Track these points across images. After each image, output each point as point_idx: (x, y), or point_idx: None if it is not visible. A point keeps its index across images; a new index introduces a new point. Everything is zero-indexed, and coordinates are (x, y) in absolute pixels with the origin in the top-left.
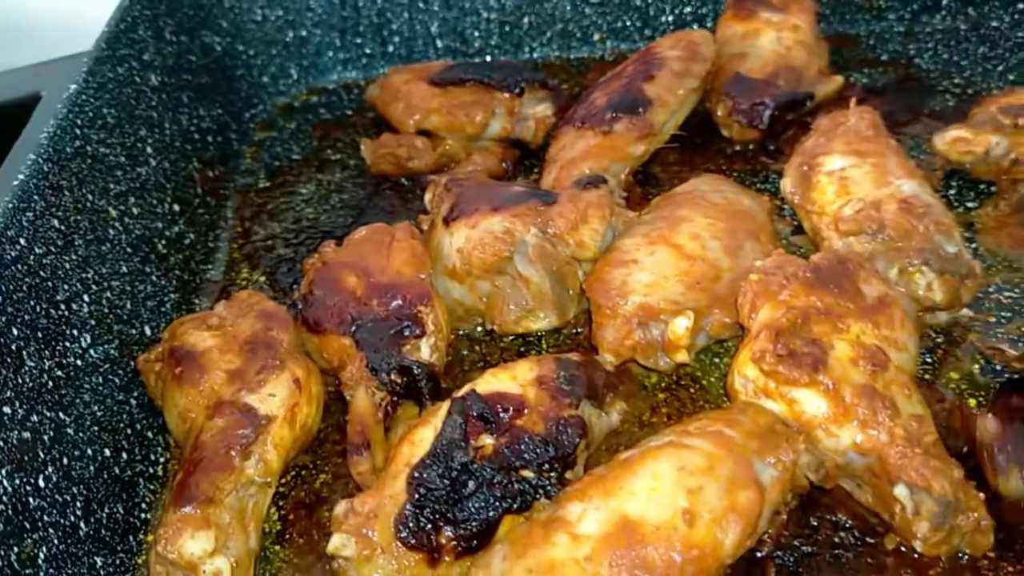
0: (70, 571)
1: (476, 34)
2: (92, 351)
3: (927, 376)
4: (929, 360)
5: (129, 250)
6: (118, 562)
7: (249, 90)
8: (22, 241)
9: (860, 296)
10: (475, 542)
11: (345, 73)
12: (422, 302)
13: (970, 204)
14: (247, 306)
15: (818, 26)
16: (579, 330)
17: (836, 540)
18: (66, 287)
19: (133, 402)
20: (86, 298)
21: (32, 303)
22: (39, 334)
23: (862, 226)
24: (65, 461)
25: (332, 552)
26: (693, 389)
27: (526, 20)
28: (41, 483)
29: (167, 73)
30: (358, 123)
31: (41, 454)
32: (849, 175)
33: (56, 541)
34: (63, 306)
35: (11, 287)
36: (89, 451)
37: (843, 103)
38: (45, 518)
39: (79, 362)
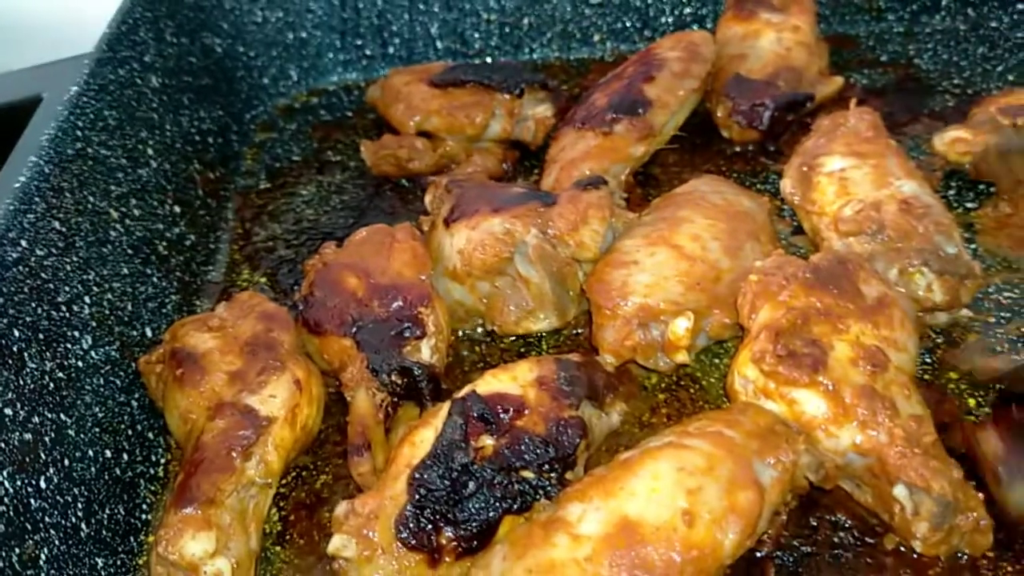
0: (71, 572)
1: (476, 35)
2: (93, 353)
3: (927, 376)
4: (929, 360)
5: (130, 252)
6: (119, 563)
7: (249, 92)
8: (23, 243)
9: (860, 296)
10: (475, 543)
11: (345, 74)
12: (423, 303)
13: (969, 205)
14: (248, 307)
15: (818, 27)
16: (579, 331)
17: (836, 540)
18: (67, 289)
19: (134, 403)
20: (87, 300)
21: (33, 305)
22: (40, 336)
23: (862, 227)
24: (66, 462)
25: (333, 553)
26: (693, 390)
27: (526, 21)
28: (43, 484)
29: (168, 75)
30: (358, 124)
31: (42, 455)
32: (849, 176)
33: (57, 542)
34: (64, 308)
35: (12, 289)
36: (90, 452)
37: (843, 104)
38: (46, 519)
39: (80, 364)
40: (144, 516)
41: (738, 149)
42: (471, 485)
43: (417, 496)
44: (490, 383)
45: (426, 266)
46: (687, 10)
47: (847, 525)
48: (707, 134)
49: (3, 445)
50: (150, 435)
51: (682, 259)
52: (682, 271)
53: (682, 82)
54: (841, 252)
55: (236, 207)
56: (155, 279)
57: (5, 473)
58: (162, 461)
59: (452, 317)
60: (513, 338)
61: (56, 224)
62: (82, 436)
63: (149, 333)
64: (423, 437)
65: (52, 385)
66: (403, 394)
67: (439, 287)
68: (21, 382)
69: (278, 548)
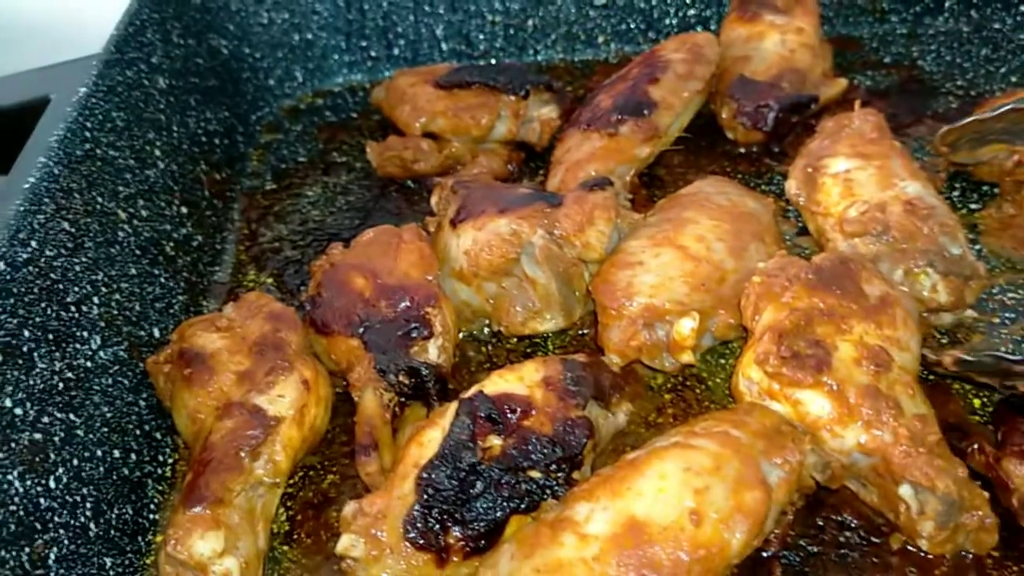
0: (80, 571)
1: (481, 37)
2: (102, 353)
3: (931, 377)
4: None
5: (138, 252)
6: (127, 563)
7: (255, 93)
8: (33, 243)
9: (862, 296)
10: (483, 542)
11: (350, 76)
12: (430, 304)
13: (973, 206)
14: (256, 308)
15: (822, 29)
16: (585, 331)
17: (842, 540)
18: (76, 289)
19: (142, 403)
20: (96, 300)
21: (43, 305)
22: (50, 336)
23: (867, 228)
24: (75, 462)
25: (341, 552)
26: (699, 390)
27: (530, 23)
28: (52, 484)
29: (175, 76)
30: (363, 126)
31: (52, 455)
32: (854, 177)
33: (67, 542)
34: (73, 308)
35: (23, 289)
36: (99, 452)
37: (847, 105)
38: (56, 519)
39: (89, 364)
40: (152, 516)
41: (742, 150)
42: (479, 485)
43: (425, 496)
44: (497, 383)
45: (433, 267)
46: (691, 12)
47: (853, 525)
48: (712, 135)
49: (13, 445)
50: (157, 435)
51: (687, 260)
52: (687, 272)
53: (686, 84)
54: (843, 252)
55: (242, 208)
56: (162, 279)
57: (15, 473)
58: (169, 461)
59: (458, 318)
60: (519, 338)
61: (66, 225)
62: (91, 436)
63: (156, 333)
64: (430, 437)
65: (61, 385)
66: (410, 394)
67: (445, 288)
68: (31, 382)
69: (285, 547)
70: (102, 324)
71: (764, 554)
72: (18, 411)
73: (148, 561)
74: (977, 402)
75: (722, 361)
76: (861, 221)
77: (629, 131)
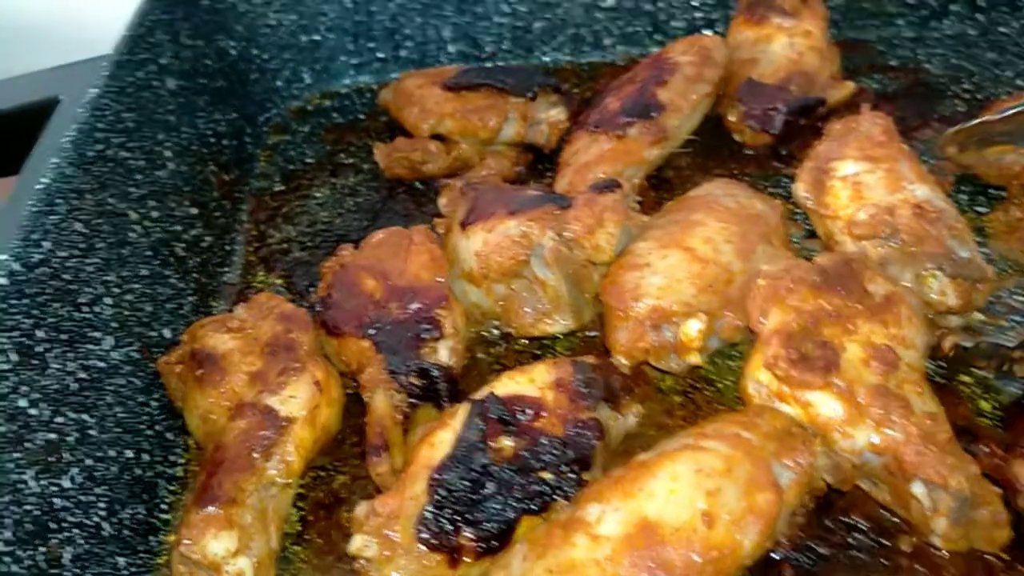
0: (94, 571)
1: (488, 39)
2: (114, 353)
3: (939, 379)
4: (942, 364)
5: (149, 253)
6: (140, 562)
7: (263, 94)
8: (46, 244)
9: (867, 296)
10: (494, 543)
11: (358, 77)
12: (440, 305)
13: (981, 209)
14: (267, 308)
15: (829, 31)
16: (593, 333)
17: (851, 541)
18: (88, 290)
19: (153, 404)
20: (108, 301)
21: (56, 305)
22: (63, 336)
23: (876, 231)
24: (89, 462)
25: (354, 553)
26: (709, 392)
27: (537, 25)
28: (66, 484)
29: (184, 77)
30: (371, 127)
31: (66, 455)
32: (863, 180)
33: (81, 541)
34: (86, 308)
35: (36, 290)
36: (112, 452)
37: (855, 108)
38: (70, 518)
39: (102, 364)
40: (164, 516)
41: (750, 153)
42: (490, 486)
43: (437, 496)
44: (507, 385)
45: (443, 268)
46: (698, 15)
47: (863, 527)
48: (719, 138)
49: (29, 445)
50: (169, 435)
51: (695, 261)
52: (694, 273)
53: (695, 86)
54: (846, 252)
55: (251, 209)
56: (173, 280)
57: (31, 472)
58: (181, 461)
59: (468, 319)
60: (528, 340)
61: (78, 226)
62: (104, 436)
63: (167, 334)
64: (442, 438)
65: (75, 386)
66: (421, 395)
67: (455, 289)
68: (45, 382)
69: (297, 548)
70: (114, 325)
71: (774, 556)
72: (33, 411)
73: (160, 561)
74: (985, 404)
75: (731, 363)
76: (870, 224)
77: (637, 133)
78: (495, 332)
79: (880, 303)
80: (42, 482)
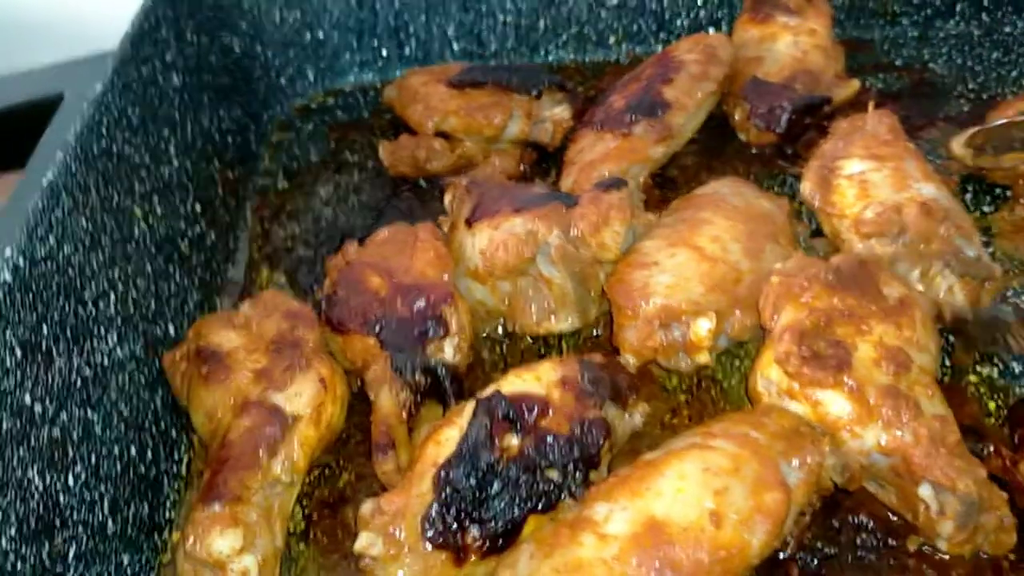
0: (98, 568)
1: (492, 37)
2: (118, 350)
3: (947, 379)
4: (948, 364)
5: (153, 249)
6: (143, 560)
7: (267, 92)
8: (51, 239)
9: (882, 298)
10: (501, 542)
11: (362, 75)
12: (446, 302)
13: (986, 209)
14: (272, 306)
15: (833, 30)
16: (598, 332)
17: (859, 542)
18: (93, 286)
19: (158, 401)
20: (112, 297)
21: (61, 301)
22: (68, 332)
23: (883, 229)
24: (93, 459)
25: (359, 551)
26: (714, 392)
27: (542, 23)
28: (71, 481)
29: (188, 74)
30: (375, 125)
31: (71, 452)
32: (869, 178)
33: (85, 539)
34: (91, 304)
35: (41, 285)
36: (116, 449)
37: (859, 107)
38: (74, 516)
39: (106, 360)
40: (168, 514)
41: (755, 152)
42: (496, 484)
43: (443, 495)
44: (514, 383)
45: (449, 266)
46: (702, 13)
47: (870, 527)
48: (724, 137)
49: (33, 441)
50: (173, 433)
51: (703, 260)
52: (703, 272)
53: (700, 84)
54: (862, 254)
55: (255, 206)
56: (177, 277)
57: (35, 469)
58: (185, 459)
59: (473, 317)
60: (532, 339)
61: (83, 221)
62: (108, 433)
63: (172, 331)
64: (448, 436)
65: (79, 382)
66: (426, 393)
67: (460, 287)
68: (50, 378)
69: (302, 546)
70: (119, 321)
71: (781, 556)
72: (38, 408)
73: (164, 559)
74: (992, 405)
75: (737, 363)
76: (877, 222)
77: (643, 131)
78: (500, 331)
79: (894, 305)
80: (47, 479)
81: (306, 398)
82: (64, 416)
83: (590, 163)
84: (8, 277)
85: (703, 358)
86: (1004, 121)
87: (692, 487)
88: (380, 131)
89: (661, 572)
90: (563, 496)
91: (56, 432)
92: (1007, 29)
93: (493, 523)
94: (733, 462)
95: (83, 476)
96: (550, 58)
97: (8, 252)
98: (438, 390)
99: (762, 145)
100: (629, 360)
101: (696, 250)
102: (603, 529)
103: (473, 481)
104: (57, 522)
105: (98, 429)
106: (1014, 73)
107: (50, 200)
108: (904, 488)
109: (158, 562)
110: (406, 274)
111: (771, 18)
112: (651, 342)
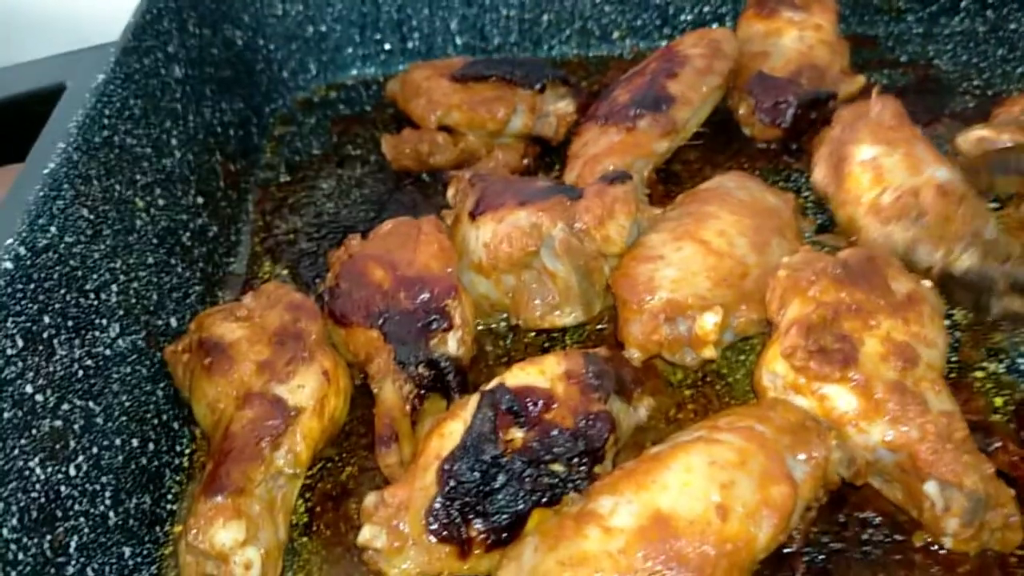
0: (100, 560)
1: (495, 31)
2: (120, 341)
3: (953, 375)
4: (955, 359)
5: (155, 241)
6: (145, 552)
7: (269, 85)
8: (53, 229)
9: (889, 293)
10: (505, 535)
11: (364, 69)
12: (449, 296)
13: (992, 204)
14: (275, 298)
15: (839, 26)
16: (602, 326)
17: (865, 537)
18: (95, 276)
19: (159, 393)
20: (114, 288)
21: (63, 292)
22: (69, 323)
23: (902, 213)
24: (95, 451)
25: (363, 543)
26: (719, 386)
27: (545, 17)
28: (72, 472)
29: (190, 66)
30: (377, 119)
31: (72, 443)
32: (882, 163)
33: (86, 530)
34: (92, 295)
35: (43, 275)
36: (118, 441)
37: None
38: (76, 507)
39: (108, 352)
40: (169, 506)
41: (760, 147)
42: (501, 477)
43: (447, 488)
44: (518, 376)
45: (452, 259)
46: (706, 8)
47: (876, 522)
48: (729, 132)
49: (35, 432)
50: (175, 425)
51: (709, 254)
52: (709, 266)
53: (705, 79)
54: (876, 243)
55: (256, 200)
56: (179, 269)
57: (37, 459)
58: (187, 451)
59: (477, 310)
60: (536, 332)
61: (84, 211)
62: (110, 424)
63: (173, 323)
64: (452, 429)
65: (81, 372)
66: (430, 386)
67: (463, 281)
68: (51, 369)
69: (305, 539)
70: (121, 312)
71: (787, 551)
72: (39, 398)
73: (166, 551)
74: (999, 401)
75: (742, 357)
76: (896, 207)
77: (647, 125)
78: (503, 324)
79: (902, 300)
80: (48, 470)
81: (309, 390)
82: (65, 407)
83: (594, 157)
84: (9, 266)
85: (709, 352)
86: (1005, 146)
87: (698, 480)
88: (383, 125)
89: (667, 565)
90: (567, 490)
91: (58, 423)
92: (1012, 26)
93: (497, 516)
94: (739, 455)
95: (84, 467)
96: (553, 53)
97: (9, 241)
98: (442, 383)
99: (767, 140)
100: (634, 354)
101: (702, 244)
102: (608, 522)
103: (477, 474)
104: (58, 513)
105: (100, 420)
106: (1019, 69)
107: (52, 190)
108: (909, 484)
109: (160, 554)
110: (409, 267)
111: (776, 13)
112: (656, 336)
